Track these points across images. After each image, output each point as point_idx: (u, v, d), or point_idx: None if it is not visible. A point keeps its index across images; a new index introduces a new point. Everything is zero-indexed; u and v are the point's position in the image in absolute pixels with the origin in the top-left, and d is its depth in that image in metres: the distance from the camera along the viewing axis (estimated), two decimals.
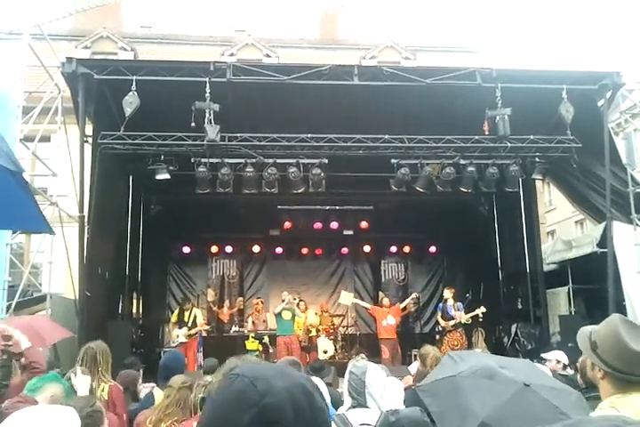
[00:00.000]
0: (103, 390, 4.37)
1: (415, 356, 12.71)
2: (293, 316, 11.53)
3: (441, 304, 12.01)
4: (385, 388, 2.95)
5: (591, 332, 2.31)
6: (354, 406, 2.93)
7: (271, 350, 12.19)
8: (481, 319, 11.51)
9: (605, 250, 10.14)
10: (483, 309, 11.43)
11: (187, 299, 12.59)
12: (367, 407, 2.89)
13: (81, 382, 4.02)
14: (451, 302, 11.56)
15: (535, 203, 12.64)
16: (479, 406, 2.64)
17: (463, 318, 11.34)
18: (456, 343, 11.02)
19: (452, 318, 11.33)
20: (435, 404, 2.90)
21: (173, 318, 11.87)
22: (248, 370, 1.12)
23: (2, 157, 3.04)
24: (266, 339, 12.35)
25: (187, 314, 11.59)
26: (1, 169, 3.07)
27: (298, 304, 12.19)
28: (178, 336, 11.30)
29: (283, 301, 11.55)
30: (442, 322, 11.56)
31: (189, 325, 11.47)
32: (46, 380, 3.76)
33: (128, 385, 5.02)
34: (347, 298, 13.08)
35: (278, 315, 11.47)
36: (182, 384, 4.02)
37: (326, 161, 10.26)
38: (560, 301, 12.33)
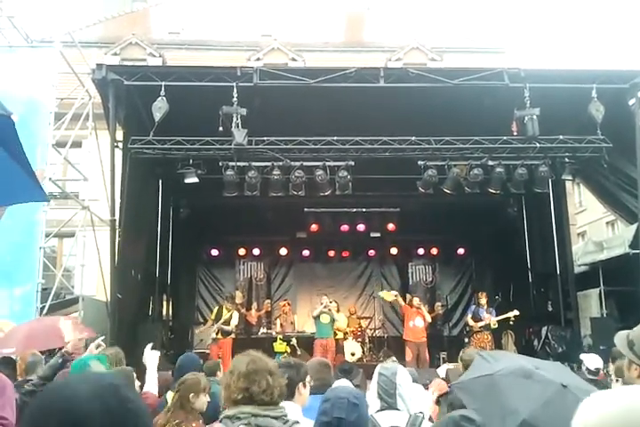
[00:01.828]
0: None
1: (444, 358, 12.69)
2: (332, 319, 11.66)
3: (473, 306, 11.97)
4: (413, 390, 2.95)
5: (629, 332, 2.34)
6: (383, 409, 2.93)
7: (299, 352, 12.23)
8: (512, 322, 11.40)
9: (638, 251, 9.96)
10: (516, 312, 11.36)
11: (231, 298, 12.64)
12: (397, 409, 2.89)
13: (150, 356, 4.17)
14: (482, 306, 11.54)
15: (565, 204, 12.46)
16: (519, 404, 2.64)
17: (492, 321, 11.28)
18: (484, 345, 10.95)
19: (482, 320, 11.28)
20: (472, 401, 2.90)
21: (213, 316, 11.88)
22: (58, 382, 1.16)
23: None
24: (294, 341, 12.41)
25: (225, 313, 11.73)
26: None
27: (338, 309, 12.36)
28: (217, 333, 11.41)
29: (321, 304, 11.67)
30: (471, 322, 11.56)
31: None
32: (87, 359, 3.92)
33: (165, 389, 5.07)
34: (388, 294, 13.02)
35: (317, 318, 11.57)
36: (178, 386, 4.10)
37: (353, 163, 10.28)
38: (591, 303, 12.13)
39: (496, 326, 11.45)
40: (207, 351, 11.53)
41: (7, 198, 3.42)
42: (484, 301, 11.73)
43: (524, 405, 2.59)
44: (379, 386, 2.97)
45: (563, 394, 2.60)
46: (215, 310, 12.06)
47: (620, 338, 2.38)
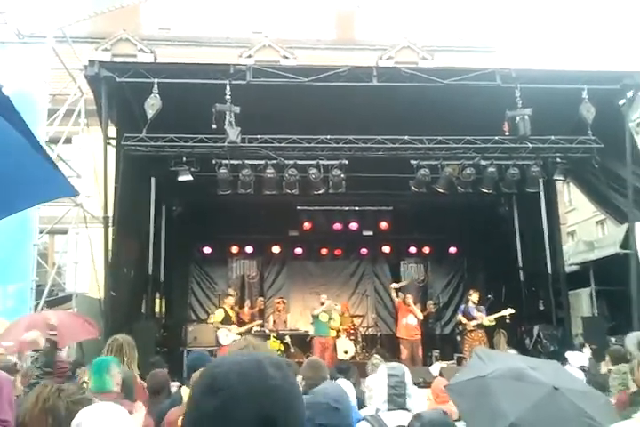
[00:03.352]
0: None
1: (436, 357, 12.76)
2: (330, 318, 11.91)
3: (463, 306, 12.01)
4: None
5: (638, 334, 2.37)
6: (392, 409, 2.92)
7: (292, 350, 12.27)
8: (508, 320, 11.46)
9: (628, 251, 10.06)
10: (510, 310, 11.38)
11: (234, 296, 12.62)
12: (407, 410, 2.90)
13: None
14: (472, 304, 11.58)
15: (556, 203, 12.55)
16: (509, 407, 2.67)
17: (485, 319, 11.33)
18: (478, 343, 11.00)
19: (474, 319, 11.34)
20: (464, 403, 2.93)
21: (218, 318, 11.75)
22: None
23: None
24: (287, 339, 12.44)
25: (233, 314, 11.75)
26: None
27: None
28: (227, 335, 11.39)
29: (322, 304, 11.92)
30: (463, 320, 11.59)
31: (237, 323, 11.73)
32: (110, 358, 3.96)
33: (163, 385, 5.08)
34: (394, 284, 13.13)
35: (316, 316, 11.75)
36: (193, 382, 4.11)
37: (346, 162, 10.30)
38: (582, 302, 12.25)
39: (493, 322, 11.49)
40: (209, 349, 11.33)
41: (37, 195, 2.94)
42: (475, 298, 11.74)
43: (513, 408, 2.61)
44: (389, 387, 2.96)
45: (554, 396, 2.62)
46: (221, 311, 11.86)
47: (631, 338, 2.41)
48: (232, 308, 11.92)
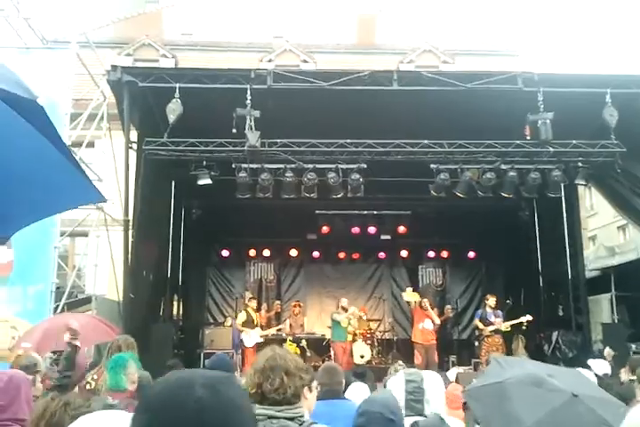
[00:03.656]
0: None
1: (453, 362, 12.68)
2: (349, 324, 11.98)
3: (480, 311, 11.90)
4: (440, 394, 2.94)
5: None
6: (409, 415, 2.90)
7: (308, 354, 12.28)
8: (525, 327, 11.35)
9: None
10: (529, 317, 11.26)
11: (254, 298, 12.78)
12: (425, 416, 2.88)
13: None
14: (490, 308, 11.48)
15: (577, 208, 12.43)
16: (526, 413, 2.64)
17: (503, 325, 11.23)
18: (495, 349, 10.90)
19: (491, 324, 11.24)
20: (480, 409, 2.91)
21: (241, 319, 11.93)
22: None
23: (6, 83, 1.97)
24: (303, 342, 12.45)
25: (255, 316, 11.84)
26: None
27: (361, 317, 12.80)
28: (251, 337, 11.51)
29: (344, 309, 11.92)
30: (480, 325, 11.47)
31: (259, 325, 11.90)
32: (128, 356, 3.99)
33: None
34: (412, 295, 12.98)
35: (337, 322, 11.77)
36: None
37: (365, 166, 10.29)
38: (602, 308, 12.10)
39: (508, 329, 11.40)
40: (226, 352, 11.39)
41: (65, 202, 2.97)
42: (492, 302, 11.60)
43: (530, 414, 2.59)
44: (407, 393, 2.95)
45: (573, 403, 2.59)
46: (244, 314, 12.06)
47: None
48: (255, 310, 12.05)
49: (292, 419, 2.27)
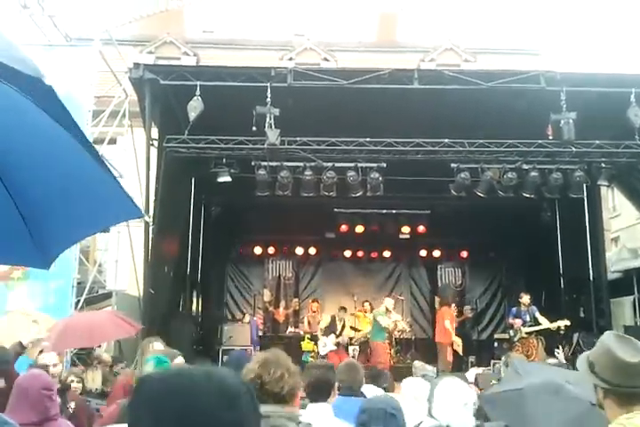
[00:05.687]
0: None
1: (472, 362, 12.59)
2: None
3: (514, 308, 11.51)
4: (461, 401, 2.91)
5: (588, 354, 2.25)
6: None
7: None
8: (562, 332, 10.92)
9: None
10: (566, 321, 10.77)
11: (343, 309, 12.75)
12: (435, 419, 2.88)
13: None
14: (524, 306, 11.12)
15: (600, 209, 12.29)
16: (542, 421, 2.62)
17: (545, 324, 10.80)
18: (530, 352, 10.55)
19: (525, 323, 10.89)
20: (497, 415, 2.89)
21: (323, 324, 11.93)
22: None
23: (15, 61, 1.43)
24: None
25: (339, 324, 11.84)
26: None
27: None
28: (325, 344, 11.49)
29: (387, 310, 11.64)
30: (516, 324, 10.99)
31: (337, 333, 11.76)
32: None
33: None
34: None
35: (379, 322, 11.43)
36: None
37: (385, 165, 10.26)
38: (625, 311, 11.94)
39: (554, 328, 10.91)
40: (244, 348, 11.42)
41: (102, 218, 2.34)
42: (526, 300, 11.17)
43: (546, 422, 2.56)
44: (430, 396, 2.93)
45: (590, 412, 2.55)
46: (327, 321, 12.01)
47: (581, 360, 2.27)
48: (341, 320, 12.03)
49: (290, 418, 2.28)
